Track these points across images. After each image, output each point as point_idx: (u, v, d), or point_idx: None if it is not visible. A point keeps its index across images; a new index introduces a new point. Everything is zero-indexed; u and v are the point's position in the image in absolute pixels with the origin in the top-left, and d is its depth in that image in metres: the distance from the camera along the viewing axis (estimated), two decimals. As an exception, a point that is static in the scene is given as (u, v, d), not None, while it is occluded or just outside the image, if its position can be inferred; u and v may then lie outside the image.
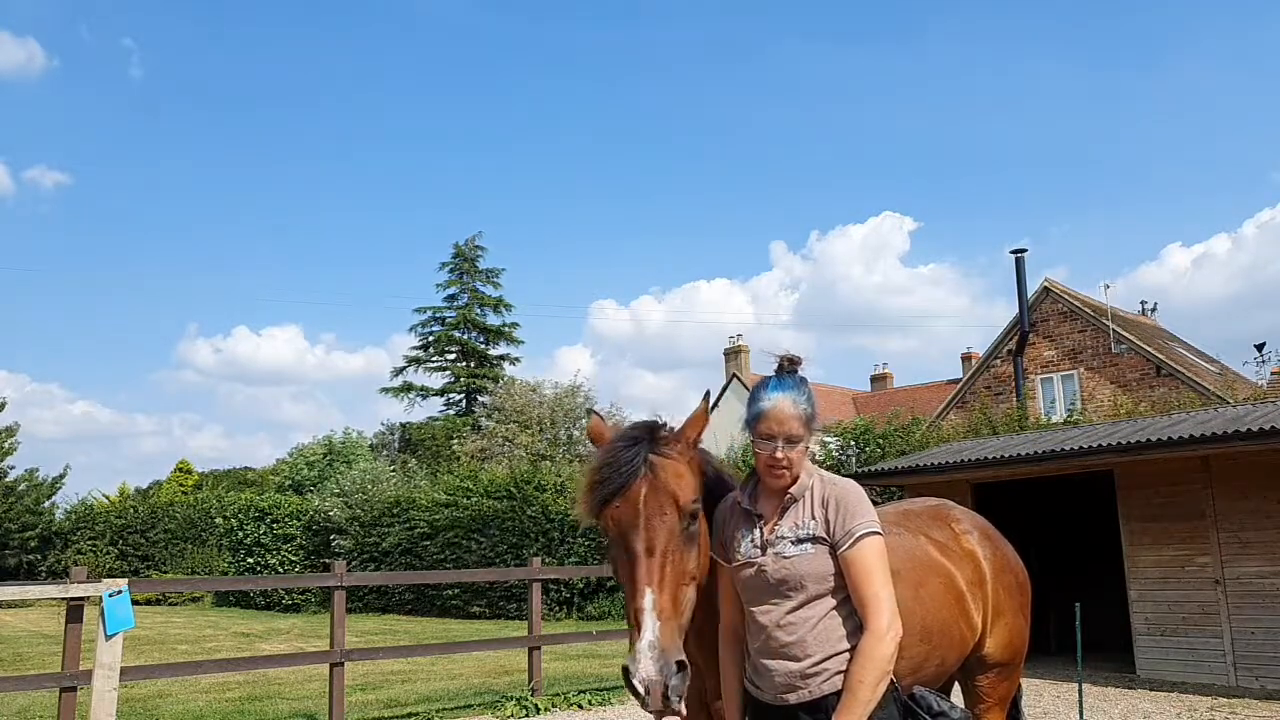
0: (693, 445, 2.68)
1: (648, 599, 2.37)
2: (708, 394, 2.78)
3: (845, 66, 71.96)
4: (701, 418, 2.71)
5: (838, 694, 2.44)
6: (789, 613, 2.51)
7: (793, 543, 2.54)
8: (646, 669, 2.28)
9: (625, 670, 2.35)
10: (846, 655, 2.47)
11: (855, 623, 2.49)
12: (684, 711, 2.36)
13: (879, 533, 2.51)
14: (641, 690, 2.30)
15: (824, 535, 2.52)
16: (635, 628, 2.37)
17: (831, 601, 2.49)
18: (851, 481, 2.65)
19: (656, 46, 75.04)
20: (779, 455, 2.55)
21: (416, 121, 76.58)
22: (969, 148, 76.25)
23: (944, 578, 3.59)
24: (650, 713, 2.36)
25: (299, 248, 79.40)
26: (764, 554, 2.57)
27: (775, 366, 2.72)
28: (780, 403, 2.57)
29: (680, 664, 2.33)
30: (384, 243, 78.94)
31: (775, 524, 2.60)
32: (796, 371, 2.70)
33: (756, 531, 2.61)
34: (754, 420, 2.61)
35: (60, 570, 30.85)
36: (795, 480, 2.61)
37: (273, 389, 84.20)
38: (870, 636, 2.41)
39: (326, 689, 8.87)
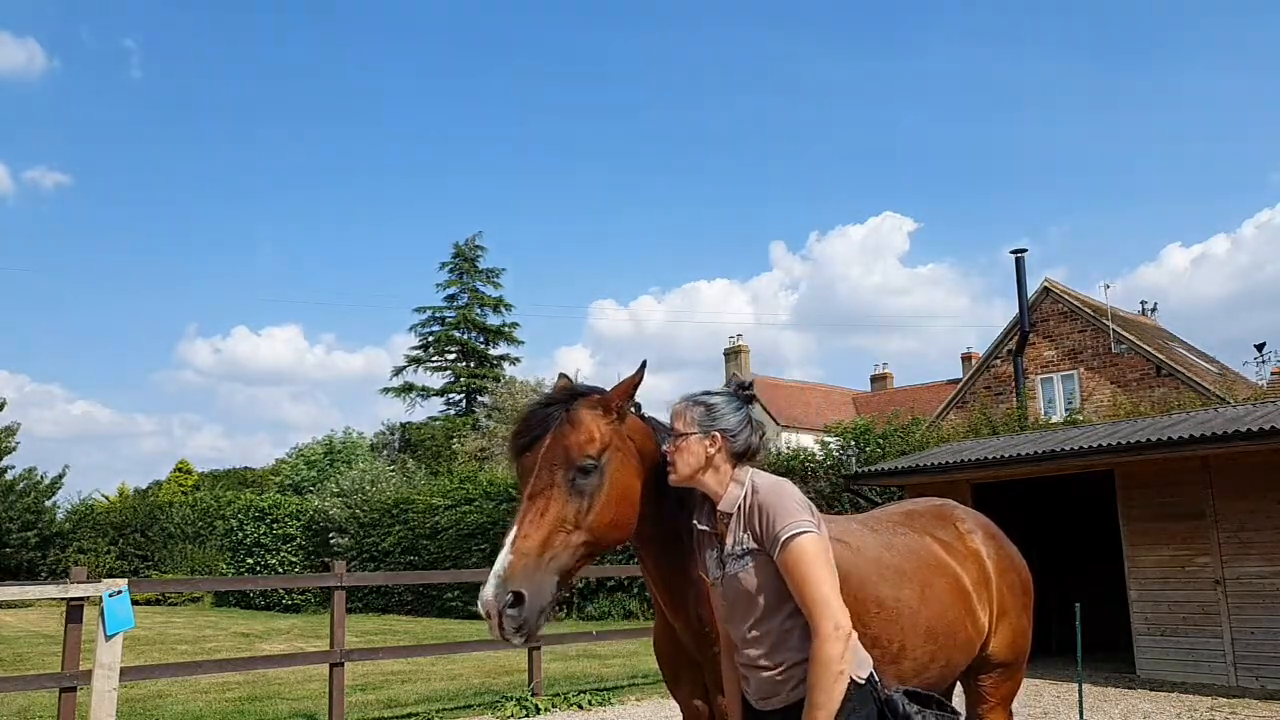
0: (613, 409, 2.75)
1: (511, 535, 2.53)
2: (644, 363, 2.87)
3: (845, 67, 71.96)
4: (629, 384, 2.81)
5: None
6: (751, 628, 2.53)
7: (735, 559, 2.54)
8: (485, 593, 2.44)
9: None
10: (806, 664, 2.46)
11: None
12: (516, 643, 2.49)
13: (809, 530, 2.42)
14: (482, 612, 2.45)
15: (757, 547, 2.50)
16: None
17: (788, 608, 2.47)
18: (776, 482, 2.57)
19: (657, 47, 75.05)
20: (668, 448, 2.68)
21: (417, 121, 76.61)
22: (969, 148, 76.27)
23: (950, 578, 3.59)
24: (493, 636, 2.48)
25: (299, 248, 79.46)
26: (721, 571, 2.60)
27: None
28: (676, 401, 2.74)
29: (517, 595, 2.44)
30: (384, 243, 79.02)
31: (724, 542, 2.61)
32: (733, 393, 2.75)
33: (714, 551, 2.64)
34: None
35: (60, 570, 30.87)
36: (678, 477, 2.64)
37: (273, 389, 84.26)
38: (816, 640, 2.35)
39: (326, 689, 8.87)
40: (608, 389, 2.83)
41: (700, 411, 2.64)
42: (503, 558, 2.48)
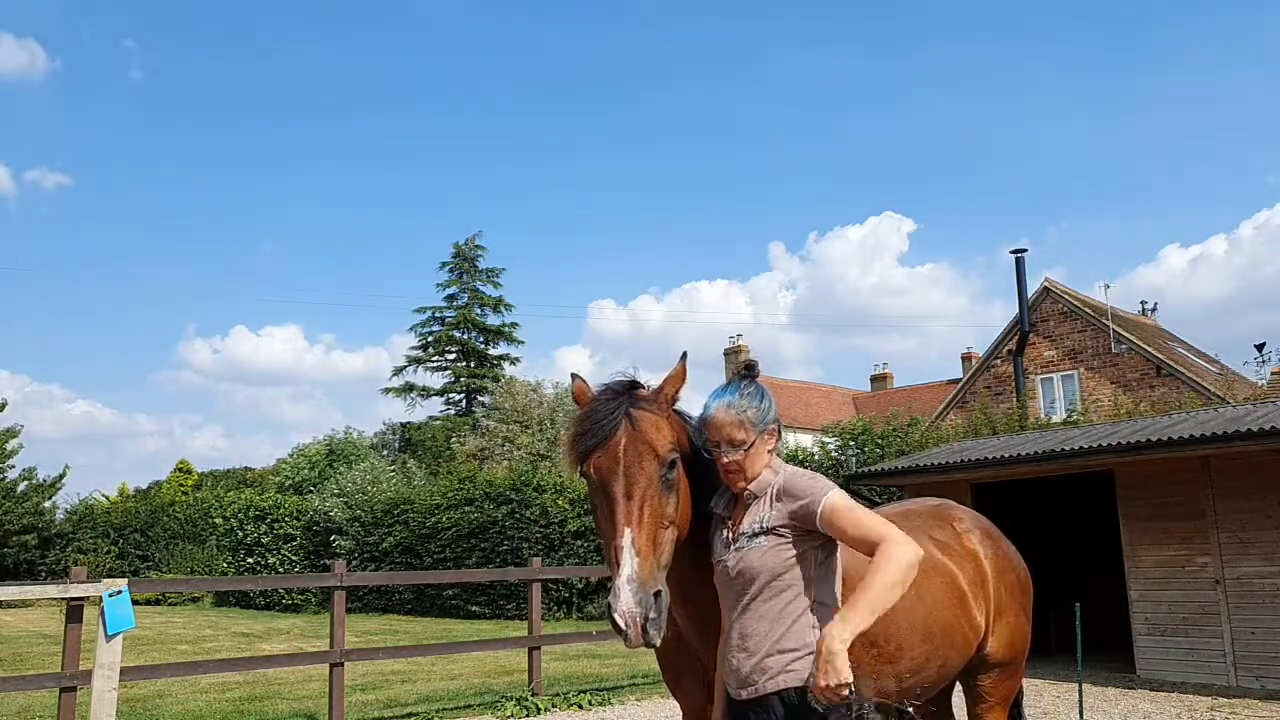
0: (670, 401, 2.77)
1: (626, 537, 2.45)
2: (685, 354, 2.86)
3: (844, 67, 71.96)
4: (679, 376, 2.81)
5: (780, 693, 2.49)
6: (746, 607, 2.58)
7: (749, 537, 2.61)
8: (626, 602, 2.36)
9: (609, 606, 2.41)
10: (793, 655, 2.50)
11: (807, 624, 2.54)
12: (655, 645, 2.45)
13: (836, 488, 2.61)
14: (622, 624, 2.36)
15: (782, 525, 2.58)
16: (614, 565, 2.45)
17: (787, 597, 2.54)
18: (800, 468, 2.76)
19: (656, 48, 75.06)
20: (726, 460, 2.65)
21: (417, 121, 76.61)
22: (969, 148, 76.27)
23: (946, 578, 3.59)
24: (629, 647, 2.42)
25: (299, 248, 79.46)
26: (729, 551, 2.65)
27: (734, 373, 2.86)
28: (716, 411, 2.69)
29: (657, 594, 2.42)
30: (384, 243, 79.00)
31: (739, 522, 2.67)
32: (751, 378, 2.79)
33: (725, 531, 2.70)
34: (699, 429, 2.75)
35: (60, 570, 30.80)
36: (751, 481, 2.68)
37: (272, 389, 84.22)
38: (886, 544, 2.44)
39: (326, 689, 8.86)
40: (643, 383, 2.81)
41: (754, 413, 2.67)
42: (629, 563, 2.40)
